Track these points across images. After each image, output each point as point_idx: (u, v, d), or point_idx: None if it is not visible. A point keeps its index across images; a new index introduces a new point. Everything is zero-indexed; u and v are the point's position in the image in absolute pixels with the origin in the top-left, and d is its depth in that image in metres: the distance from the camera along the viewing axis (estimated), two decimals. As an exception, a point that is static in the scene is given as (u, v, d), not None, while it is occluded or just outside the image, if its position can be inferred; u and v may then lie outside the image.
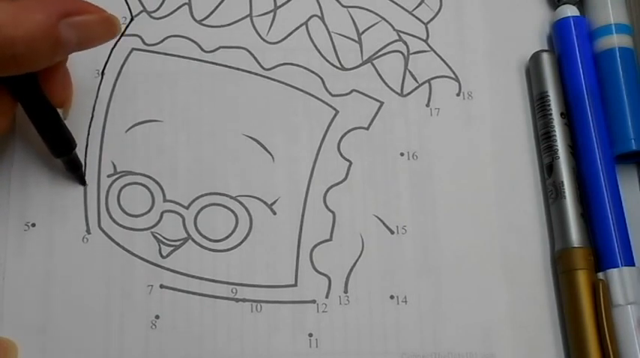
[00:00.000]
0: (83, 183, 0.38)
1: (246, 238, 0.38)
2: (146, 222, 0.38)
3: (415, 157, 0.41)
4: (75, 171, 0.38)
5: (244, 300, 0.37)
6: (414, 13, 0.43)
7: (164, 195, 0.38)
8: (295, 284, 0.38)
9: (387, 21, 0.43)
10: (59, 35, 0.32)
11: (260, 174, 0.39)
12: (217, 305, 0.37)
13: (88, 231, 0.37)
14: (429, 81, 0.42)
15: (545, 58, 0.42)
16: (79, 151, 0.38)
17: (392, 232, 0.39)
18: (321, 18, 0.42)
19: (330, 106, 0.41)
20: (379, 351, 0.37)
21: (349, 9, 0.43)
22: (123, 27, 0.41)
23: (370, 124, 0.41)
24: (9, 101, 0.35)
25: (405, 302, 0.38)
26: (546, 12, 0.44)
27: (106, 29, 0.34)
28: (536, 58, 0.42)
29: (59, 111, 0.36)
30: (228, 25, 0.42)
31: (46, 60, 0.33)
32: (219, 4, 0.42)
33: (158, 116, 0.40)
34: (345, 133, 0.41)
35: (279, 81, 0.41)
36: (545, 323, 0.38)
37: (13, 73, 0.33)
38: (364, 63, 0.42)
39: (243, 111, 0.40)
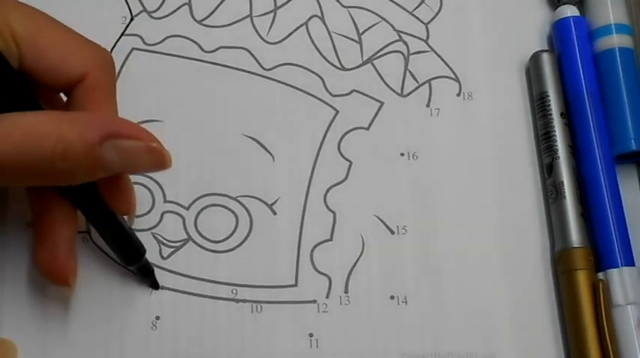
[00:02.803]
0: (156, 287, 0.37)
1: (246, 239, 0.38)
2: (146, 222, 0.38)
3: (415, 157, 0.41)
4: (147, 276, 0.37)
5: (244, 301, 0.37)
6: (414, 13, 0.43)
7: (164, 196, 0.38)
8: (295, 285, 0.38)
9: (387, 21, 0.43)
10: (101, 156, 0.31)
11: (260, 174, 0.39)
12: (218, 306, 0.37)
13: (88, 231, 0.37)
14: (429, 81, 0.42)
15: (545, 58, 0.42)
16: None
17: (392, 232, 0.39)
18: (321, 18, 0.42)
19: (331, 106, 0.41)
20: (379, 351, 0.37)
21: (349, 9, 0.43)
22: (123, 27, 0.41)
23: (370, 124, 0.41)
24: (69, 208, 0.34)
25: (405, 302, 0.38)
26: (546, 12, 0.44)
27: (152, 160, 0.33)
28: (536, 58, 0.42)
29: (125, 218, 0.35)
30: (228, 25, 0.42)
31: (84, 177, 0.32)
32: (219, 4, 0.42)
33: (158, 116, 0.40)
34: (346, 133, 0.41)
35: (279, 81, 0.41)
36: (545, 323, 0.38)
37: (51, 184, 0.32)
38: (364, 63, 0.42)
39: (243, 111, 0.40)
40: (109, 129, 0.31)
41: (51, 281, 0.34)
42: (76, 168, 0.31)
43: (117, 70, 0.35)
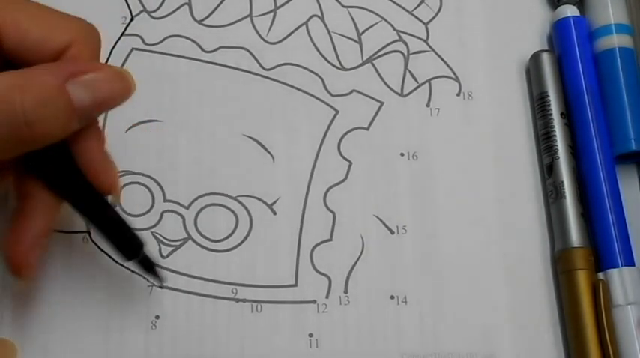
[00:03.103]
0: (161, 281, 0.36)
1: (246, 238, 0.38)
2: (146, 222, 0.38)
3: (415, 157, 0.41)
4: (149, 270, 0.35)
5: (244, 300, 0.37)
6: (414, 13, 0.43)
7: (164, 195, 0.38)
8: (295, 285, 0.38)
9: (387, 21, 0.43)
10: (69, 96, 0.30)
11: (260, 174, 0.39)
12: (218, 305, 0.37)
13: (88, 231, 0.37)
14: (429, 81, 0.42)
15: (545, 58, 0.42)
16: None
17: (392, 232, 0.39)
18: (321, 18, 0.42)
19: (330, 106, 0.41)
20: (379, 351, 0.37)
21: (349, 9, 0.43)
22: (123, 27, 0.40)
23: (370, 124, 0.41)
24: (50, 199, 0.33)
25: (405, 302, 0.38)
26: (546, 12, 0.44)
27: (118, 85, 0.32)
28: (536, 58, 0.42)
29: (109, 200, 0.34)
30: (228, 25, 0.42)
31: (62, 125, 0.31)
32: (219, 4, 0.42)
33: (158, 116, 0.40)
34: (345, 133, 0.41)
35: (279, 81, 0.41)
36: (545, 323, 0.38)
37: (31, 145, 0.31)
38: (364, 63, 0.42)
39: (243, 111, 0.40)
40: (69, 70, 0.31)
41: (8, 269, 0.33)
42: (51, 114, 0.30)
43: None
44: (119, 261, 0.36)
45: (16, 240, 0.33)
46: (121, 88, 0.33)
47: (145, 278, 0.36)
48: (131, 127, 0.39)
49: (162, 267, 0.37)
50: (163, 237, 0.38)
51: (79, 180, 0.33)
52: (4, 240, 0.33)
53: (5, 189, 0.36)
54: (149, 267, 0.35)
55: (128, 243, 0.34)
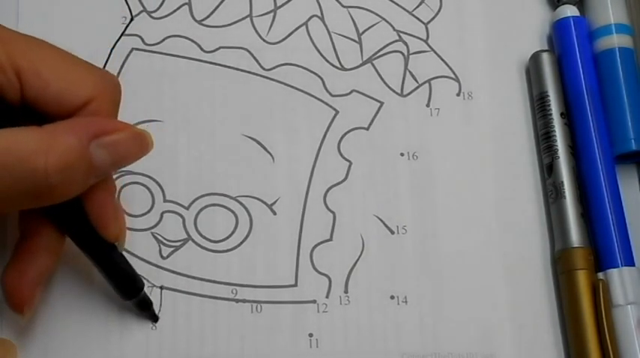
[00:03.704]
0: (155, 320, 0.36)
1: (246, 238, 0.38)
2: (146, 222, 0.38)
3: (415, 157, 0.41)
4: (145, 310, 0.36)
5: (244, 301, 0.37)
6: (414, 13, 0.43)
7: (164, 195, 0.38)
8: (295, 285, 0.38)
9: (387, 21, 0.43)
10: (92, 158, 0.31)
11: (260, 174, 0.39)
12: (218, 305, 0.37)
13: (88, 232, 0.37)
14: (429, 81, 0.42)
15: (545, 58, 0.42)
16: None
17: (392, 232, 0.39)
18: (321, 18, 0.42)
19: (330, 106, 0.41)
20: (379, 351, 0.37)
21: (349, 9, 0.43)
22: (123, 27, 0.40)
23: (370, 124, 0.41)
24: (56, 237, 0.34)
25: (405, 302, 0.38)
26: (546, 12, 0.44)
27: (138, 145, 0.33)
28: (536, 58, 0.42)
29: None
30: (228, 25, 0.42)
31: (80, 186, 0.31)
32: (219, 4, 0.42)
33: (158, 116, 0.40)
34: (345, 133, 0.41)
35: (279, 81, 0.41)
36: (545, 323, 0.38)
37: (47, 203, 0.31)
38: (364, 63, 0.42)
39: (243, 111, 0.40)
40: (93, 129, 0.31)
41: (7, 303, 0.34)
42: (72, 177, 0.30)
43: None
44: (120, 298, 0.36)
45: (19, 276, 0.33)
46: (139, 149, 0.33)
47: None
48: (131, 127, 0.39)
49: (160, 267, 0.37)
50: (163, 238, 0.38)
51: (87, 227, 0.33)
52: (4, 275, 0.33)
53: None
54: (146, 307, 0.36)
55: (129, 285, 0.35)
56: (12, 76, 0.31)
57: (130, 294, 0.35)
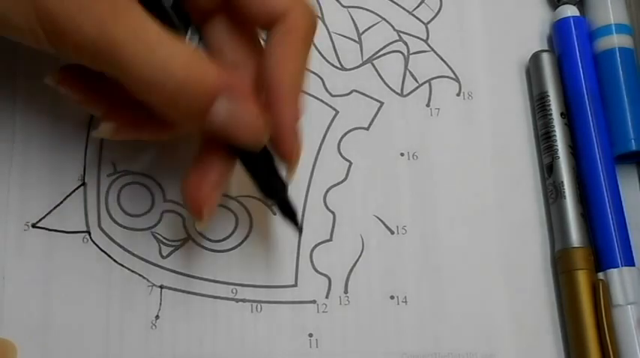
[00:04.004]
0: (299, 230, 0.36)
1: (246, 238, 0.38)
2: (146, 221, 0.38)
3: (415, 157, 0.41)
4: (291, 217, 0.36)
5: (244, 301, 0.37)
6: (414, 13, 0.43)
7: (164, 195, 0.38)
8: (295, 285, 0.38)
9: (387, 21, 0.43)
10: (210, 106, 0.31)
11: (260, 174, 0.39)
12: (217, 305, 0.37)
13: (88, 231, 0.37)
14: (429, 81, 0.42)
15: (545, 58, 0.42)
16: (79, 151, 0.38)
17: (392, 232, 0.39)
18: (321, 18, 0.42)
19: (330, 106, 0.41)
20: (379, 351, 0.37)
21: (349, 9, 0.43)
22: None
23: (370, 124, 0.41)
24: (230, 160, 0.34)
25: (405, 302, 0.38)
26: (546, 12, 0.44)
27: (252, 133, 0.32)
28: (536, 58, 0.42)
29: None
30: (228, 25, 0.42)
31: (180, 117, 0.32)
32: (220, 4, 0.42)
33: (158, 116, 0.40)
34: (345, 133, 0.41)
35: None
36: (545, 323, 0.38)
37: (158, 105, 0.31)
38: (364, 63, 0.42)
39: (243, 112, 0.40)
40: (232, 84, 0.31)
41: (187, 208, 0.34)
42: (182, 102, 0.30)
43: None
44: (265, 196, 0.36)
45: (199, 181, 0.33)
46: (250, 137, 0.32)
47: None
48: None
49: (160, 266, 0.37)
50: (163, 237, 0.38)
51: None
52: (186, 180, 0.34)
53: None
54: (291, 213, 0.35)
55: (275, 183, 0.34)
56: None
57: (276, 192, 0.35)
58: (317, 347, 0.37)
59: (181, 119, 0.32)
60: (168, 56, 0.30)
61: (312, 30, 0.34)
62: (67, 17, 0.29)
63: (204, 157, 0.34)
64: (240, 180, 0.39)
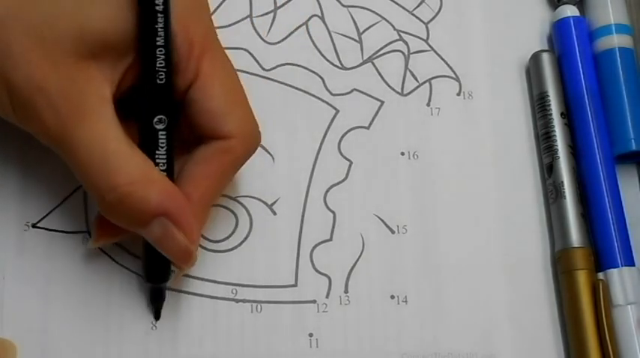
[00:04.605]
0: (157, 317, 0.36)
1: (246, 238, 0.38)
2: (146, 222, 0.38)
3: (416, 157, 0.41)
4: (156, 302, 0.36)
5: (244, 301, 0.37)
6: (414, 12, 0.43)
7: (164, 195, 0.38)
8: (295, 285, 0.38)
9: (387, 20, 0.43)
10: (148, 224, 0.32)
11: (260, 174, 0.39)
12: (217, 305, 0.37)
13: (88, 231, 0.37)
14: (429, 80, 0.42)
15: (545, 58, 0.42)
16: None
17: (392, 232, 0.39)
18: (322, 18, 0.42)
19: (331, 106, 0.41)
20: (379, 351, 0.37)
21: (349, 8, 0.43)
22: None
23: (371, 124, 0.41)
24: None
25: (406, 302, 0.38)
26: (546, 12, 0.44)
27: (180, 258, 0.34)
28: (536, 58, 0.42)
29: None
30: (229, 26, 0.42)
31: (118, 223, 0.33)
32: (220, 4, 0.42)
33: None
34: (346, 133, 0.41)
35: (279, 81, 0.41)
36: (545, 323, 0.38)
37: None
38: (365, 62, 0.42)
39: (243, 111, 0.40)
40: (172, 209, 0.32)
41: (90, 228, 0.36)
42: (121, 212, 0.32)
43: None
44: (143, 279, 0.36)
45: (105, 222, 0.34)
46: (179, 260, 0.34)
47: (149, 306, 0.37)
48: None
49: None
50: (164, 238, 0.38)
51: None
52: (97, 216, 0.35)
53: None
54: (158, 298, 0.36)
55: (159, 270, 0.35)
56: (191, 69, 0.33)
57: (155, 279, 0.35)
58: (317, 347, 0.37)
59: (118, 224, 0.33)
60: (118, 168, 0.31)
61: (246, 157, 0.35)
62: (35, 108, 0.31)
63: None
64: (240, 181, 0.39)
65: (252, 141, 0.35)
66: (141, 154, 0.32)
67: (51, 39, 0.31)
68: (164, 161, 0.33)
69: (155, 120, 0.33)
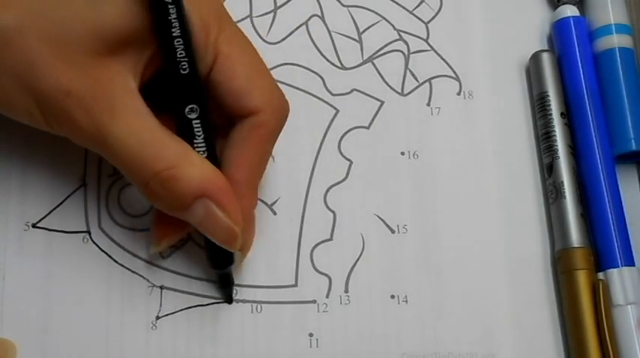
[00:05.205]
0: (230, 301, 0.37)
1: (246, 238, 0.38)
2: (146, 222, 0.38)
3: (416, 156, 0.41)
4: (226, 287, 0.37)
5: (244, 301, 0.37)
6: (414, 12, 0.43)
7: (164, 195, 0.38)
8: (295, 285, 0.38)
9: (387, 20, 0.43)
10: (190, 206, 0.32)
11: (260, 173, 0.39)
12: (217, 305, 0.37)
13: (88, 231, 0.37)
14: (429, 80, 0.42)
15: (545, 58, 0.42)
16: (79, 151, 0.38)
17: (392, 231, 0.39)
18: (322, 17, 0.42)
19: (331, 106, 0.41)
20: (379, 351, 0.37)
21: (349, 8, 0.43)
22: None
23: (371, 123, 0.41)
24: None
25: (406, 301, 0.38)
26: (546, 12, 0.44)
27: (225, 238, 0.34)
28: (536, 58, 0.42)
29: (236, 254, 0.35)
30: (229, 25, 0.42)
31: (162, 208, 0.33)
32: (220, 4, 0.42)
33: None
34: (346, 132, 0.41)
35: (279, 81, 0.41)
36: (545, 323, 0.38)
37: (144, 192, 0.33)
38: (365, 62, 0.42)
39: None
40: (213, 193, 0.32)
41: (152, 232, 0.36)
42: (164, 197, 0.32)
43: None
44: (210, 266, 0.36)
45: (166, 218, 0.35)
46: (223, 241, 0.34)
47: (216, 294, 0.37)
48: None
49: (160, 267, 0.37)
50: (164, 238, 0.38)
51: None
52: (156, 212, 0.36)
53: None
54: (227, 284, 0.37)
55: (225, 256, 0.35)
56: (210, 53, 0.33)
57: (220, 265, 0.35)
58: (317, 347, 0.37)
59: (162, 209, 0.34)
60: (156, 156, 0.31)
61: (279, 128, 0.36)
62: (66, 113, 0.31)
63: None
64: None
65: (281, 110, 0.35)
66: (177, 139, 0.32)
67: (69, 42, 0.31)
68: (203, 149, 0.33)
69: (187, 110, 0.33)
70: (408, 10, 0.43)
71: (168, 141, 0.32)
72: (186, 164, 0.32)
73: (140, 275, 0.37)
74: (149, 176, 0.32)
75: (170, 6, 0.32)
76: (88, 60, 0.31)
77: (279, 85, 0.36)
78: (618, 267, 0.38)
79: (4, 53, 0.30)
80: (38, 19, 0.31)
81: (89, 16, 0.31)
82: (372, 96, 0.41)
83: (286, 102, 0.36)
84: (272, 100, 0.35)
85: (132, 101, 0.32)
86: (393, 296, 0.38)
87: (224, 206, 0.33)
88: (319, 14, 0.42)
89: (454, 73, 0.42)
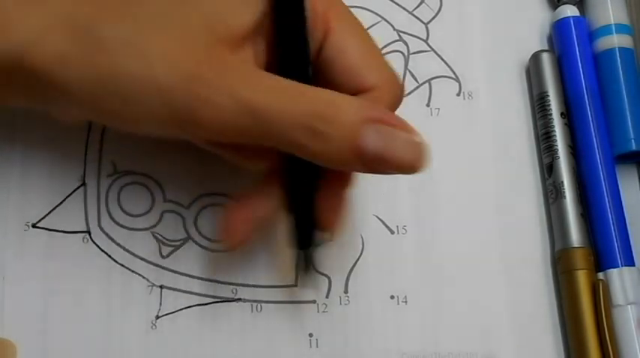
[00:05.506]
0: (308, 269, 0.37)
1: (246, 238, 0.38)
2: (146, 222, 0.38)
3: (415, 157, 0.40)
4: (305, 270, 0.37)
5: (244, 301, 0.37)
6: (414, 13, 0.43)
7: (164, 195, 0.38)
8: (295, 285, 0.38)
9: (387, 21, 0.43)
10: (361, 134, 0.29)
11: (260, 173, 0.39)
12: (217, 305, 0.37)
13: (88, 231, 0.37)
14: (429, 81, 0.42)
15: (545, 58, 0.42)
16: (79, 151, 0.38)
17: (392, 232, 0.39)
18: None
19: (331, 106, 0.41)
20: (379, 351, 0.37)
21: (349, 8, 0.43)
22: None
23: (370, 124, 0.41)
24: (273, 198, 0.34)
25: (406, 302, 0.38)
26: (546, 12, 0.44)
27: (412, 153, 0.30)
28: (536, 58, 0.42)
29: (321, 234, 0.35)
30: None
31: (337, 155, 0.30)
32: (220, 4, 0.42)
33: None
34: (345, 133, 0.41)
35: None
36: (545, 323, 0.38)
37: (303, 154, 0.30)
38: (364, 63, 0.42)
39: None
40: (378, 115, 0.30)
41: (222, 234, 0.34)
42: (332, 137, 0.29)
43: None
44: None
45: (245, 218, 0.34)
46: (412, 158, 0.30)
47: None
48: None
49: (160, 266, 0.37)
50: (163, 237, 0.38)
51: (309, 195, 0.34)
52: (230, 212, 0.34)
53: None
54: (307, 267, 0.36)
55: (307, 235, 0.35)
56: (320, 30, 0.32)
57: (304, 244, 0.35)
58: (317, 347, 0.37)
59: (330, 159, 0.30)
60: (307, 99, 0.29)
61: (395, 105, 0.34)
62: (242, 122, 0.29)
63: (257, 193, 0.34)
64: (239, 180, 0.39)
65: (397, 88, 0.34)
66: (320, 89, 0.30)
67: (209, 45, 0.30)
68: None
69: None
70: (407, 11, 0.43)
71: (307, 87, 0.30)
72: (338, 97, 0.30)
73: (140, 275, 0.37)
74: (310, 120, 0.29)
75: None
76: (236, 64, 0.30)
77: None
78: (618, 267, 0.38)
79: None
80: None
81: (209, 15, 0.30)
82: (372, 97, 0.41)
83: (399, 80, 0.34)
84: (388, 76, 0.33)
85: (260, 72, 0.31)
86: (392, 297, 0.38)
87: (393, 122, 0.30)
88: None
89: (454, 73, 0.42)
